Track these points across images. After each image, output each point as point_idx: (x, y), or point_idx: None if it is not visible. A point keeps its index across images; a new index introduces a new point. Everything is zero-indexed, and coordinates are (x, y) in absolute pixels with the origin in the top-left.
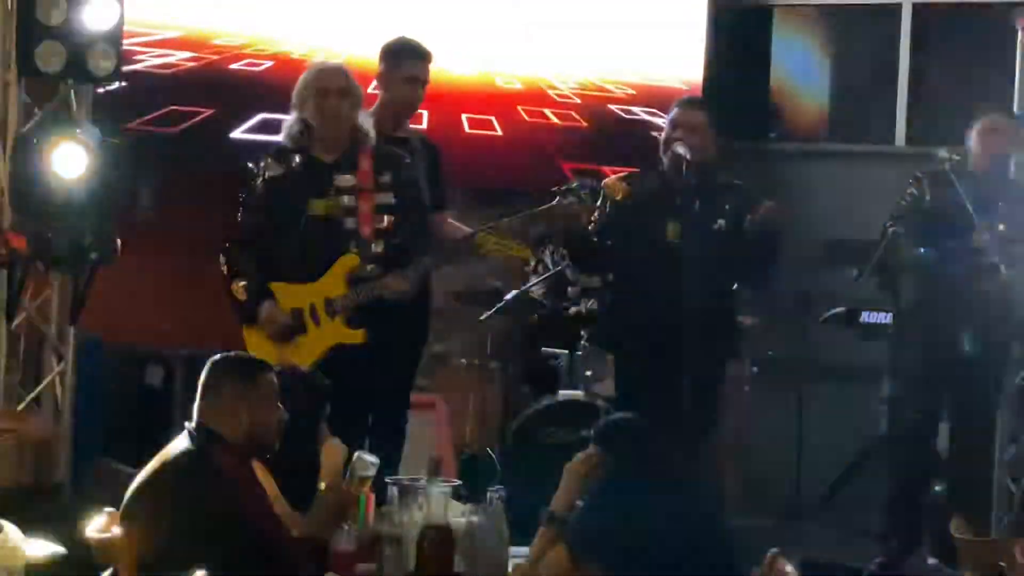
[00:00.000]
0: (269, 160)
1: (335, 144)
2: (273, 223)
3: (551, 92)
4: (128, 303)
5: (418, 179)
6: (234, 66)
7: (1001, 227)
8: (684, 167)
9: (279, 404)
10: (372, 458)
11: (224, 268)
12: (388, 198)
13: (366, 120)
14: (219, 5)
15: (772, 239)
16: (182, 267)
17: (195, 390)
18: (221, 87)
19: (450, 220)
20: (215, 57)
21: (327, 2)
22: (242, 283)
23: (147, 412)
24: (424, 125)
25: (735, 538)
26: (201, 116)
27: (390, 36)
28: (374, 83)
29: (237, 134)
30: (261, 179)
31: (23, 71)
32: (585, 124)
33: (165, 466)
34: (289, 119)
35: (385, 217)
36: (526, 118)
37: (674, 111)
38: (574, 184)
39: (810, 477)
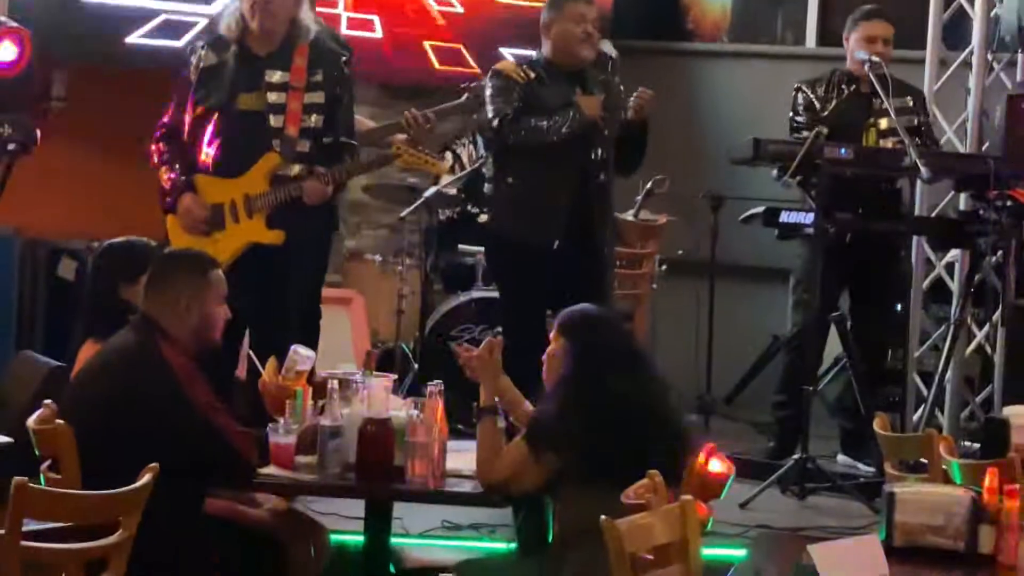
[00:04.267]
0: (205, 49)
1: (270, 38)
2: (203, 114)
3: None
4: (40, 196)
5: (351, 78)
6: None
7: (883, 124)
8: (610, 65)
9: (224, 302)
10: (308, 352)
11: (154, 157)
12: (318, 97)
13: (306, 13)
14: None
15: (645, 127)
16: (94, 159)
17: None
18: None
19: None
20: None
21: None
22: (167, 173)
23: (60, 305)
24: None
25: (687, 428)
26: None
27: None
28: None
29: (134, 39)
30: (195, 68)
31: None
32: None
33: (110, 359)
34: (229, 7)
35: (313, 116)
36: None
37: (578, 4)
38: (483, 82)
39: (720, 374)
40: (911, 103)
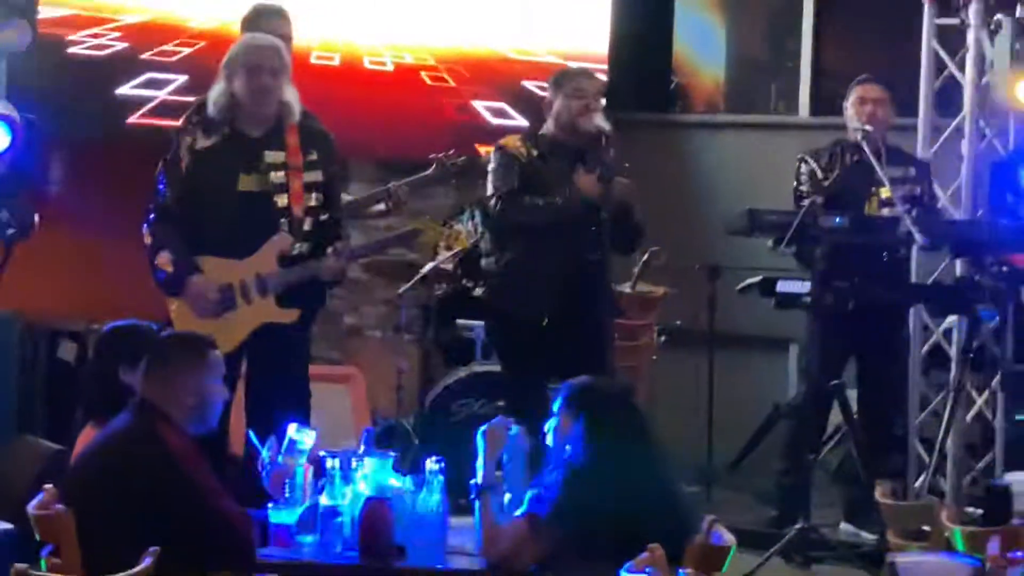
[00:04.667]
0: (196, 132)
1: (263, 119)
2: (200, 196)
3: (455, 64)
4: (39, 278)
5: (340, 155)
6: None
7: (884, 193)
8: (604, 139)
9: (223, 383)
10: (308, 430)
11: (148, 239)
12: (316, 176)
13: (291, 94)
14: None
15: (626, 215)
16: (94, 242)
17: None
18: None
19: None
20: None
21: None
22: (168, 255)
23: (60, 388)
24: None
25: (689, 503)
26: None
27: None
28: None
29: (124, 90)
30: (187, 150)
31: None
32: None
33: (109, 442)
34: (215, 90)
35: (314, 195)
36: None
37: (577, 79)
38: (451, 152)
39: (720, 444)
40: (913, 172)
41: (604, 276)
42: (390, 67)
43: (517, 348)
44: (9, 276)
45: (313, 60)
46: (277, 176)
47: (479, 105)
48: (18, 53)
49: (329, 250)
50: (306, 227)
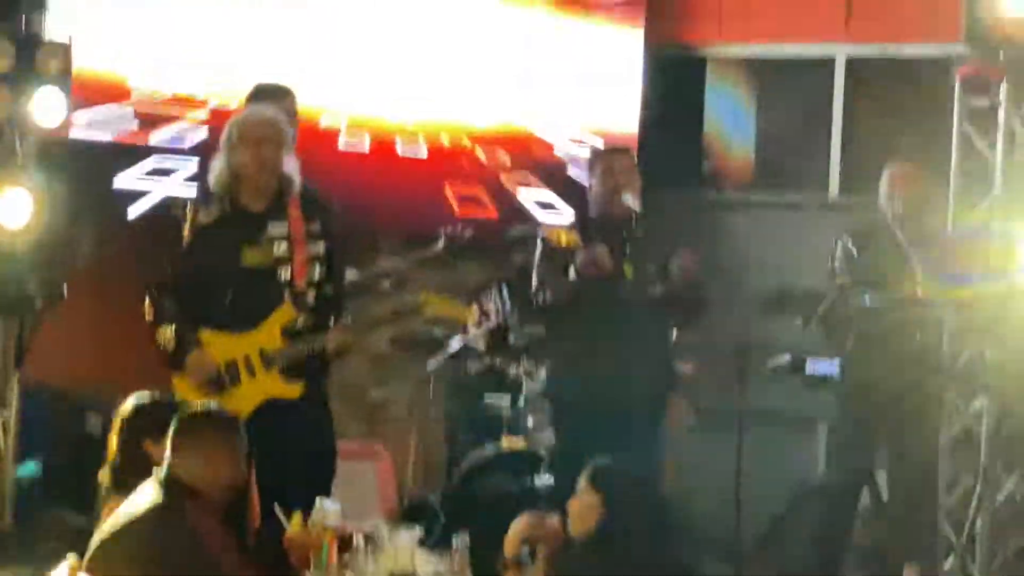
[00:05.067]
0: (199, 207)
1: (264, 191)
2: (203, 271)
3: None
4: (65, 348)
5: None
6: None
7: (918, 272)
8: (634, 219)
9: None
10: (335, 506)
11: (149, 314)
12: (319, 247)
13: (291, 164)
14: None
15: (697, 288)
16: (119, 313)
17: None
18: None
19: None
20: None
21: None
22: (169, 329)
23: (87, 460)
24: None
25: None
26: None
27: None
28: None
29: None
30: (189, 226)
31: None
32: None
33: (135, 518)
34: (216, 163)
35: (317, 267)
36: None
37: (606, 159)
38: (458, 226)
39: (748, 523)
40: (941, 253)
41: (664, 352)
42: (424, 155)
43: (574, 424)
44: (36, 345)
45: (342, 147)
46: (280, 248)
47: (524, 196)
48: None
49: (331, 323)
50: (309, 300)
